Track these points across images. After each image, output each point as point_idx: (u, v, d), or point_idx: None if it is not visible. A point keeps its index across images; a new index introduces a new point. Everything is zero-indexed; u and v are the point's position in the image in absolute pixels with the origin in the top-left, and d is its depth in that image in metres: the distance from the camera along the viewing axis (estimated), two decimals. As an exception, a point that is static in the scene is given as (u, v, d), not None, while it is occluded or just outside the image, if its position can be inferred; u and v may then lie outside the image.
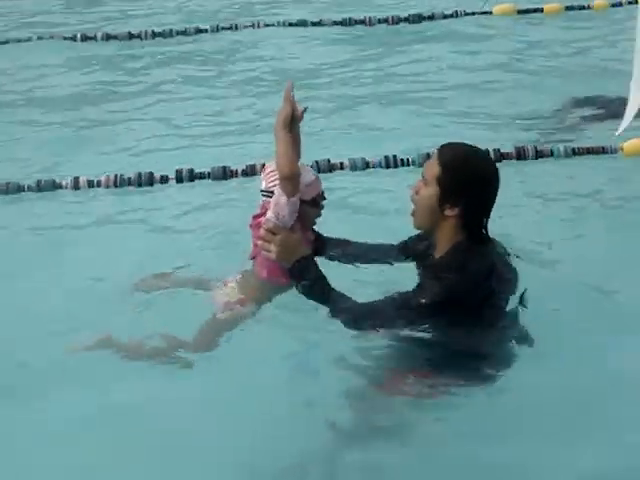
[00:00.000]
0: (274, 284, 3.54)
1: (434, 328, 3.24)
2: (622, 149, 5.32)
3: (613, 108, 5.44)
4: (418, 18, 8.38)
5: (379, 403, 3.26)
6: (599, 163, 5.27)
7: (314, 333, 3.46)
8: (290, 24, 8.37)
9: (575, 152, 5.34)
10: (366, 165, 5.31)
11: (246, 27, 8.34)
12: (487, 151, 3.37)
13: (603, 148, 5.35)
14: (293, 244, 3.40)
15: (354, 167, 5.30)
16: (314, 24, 8.34)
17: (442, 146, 3.33)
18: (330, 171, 5.23)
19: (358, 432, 3.19)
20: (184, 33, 8.23)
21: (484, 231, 3.30)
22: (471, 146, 3.31)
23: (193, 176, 5.23)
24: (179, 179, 5.20)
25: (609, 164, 5.24)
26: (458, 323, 3.22)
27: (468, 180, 3.22)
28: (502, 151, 5.29)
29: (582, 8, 8.58)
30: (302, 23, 8.37)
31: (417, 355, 3.31)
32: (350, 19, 8.38)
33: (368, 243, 3.77)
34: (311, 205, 3.47)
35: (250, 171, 5.19)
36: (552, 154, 5.34)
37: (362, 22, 8.38)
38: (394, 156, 5.32)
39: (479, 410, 3.21)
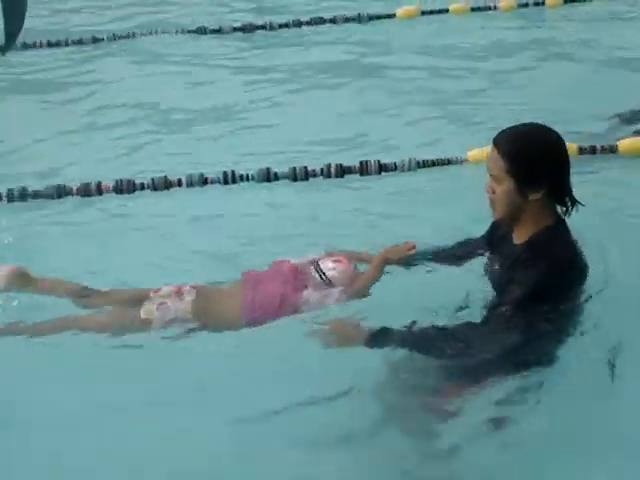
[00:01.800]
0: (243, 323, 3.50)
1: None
2: (467, 159, 5.17)
3: None
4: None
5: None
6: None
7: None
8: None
9: (420, 165, 5.16)
10: (204, 181, 5.14)
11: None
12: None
13: (449, 160, 5.18)
14: (344, 328, 3.30)
15: (190, 184, 5.14)
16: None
17: (496, 138, 3.14)
18: (167, 188, 5.10)
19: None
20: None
21: (571, 199, 3.14)
22: (522, 125, 3.18)
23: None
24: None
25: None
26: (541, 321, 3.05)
27: (538, 158, 3.06)
28: (344, 165, 5.16)
29: (488, 9, 8.44)
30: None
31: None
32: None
33: (452, 245, 3.70)
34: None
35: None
36: (396, 168, 5.16)
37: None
38: (232, 172, 5.15)
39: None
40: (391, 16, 8.39)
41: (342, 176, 5.14)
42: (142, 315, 3.52)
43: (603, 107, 5.81)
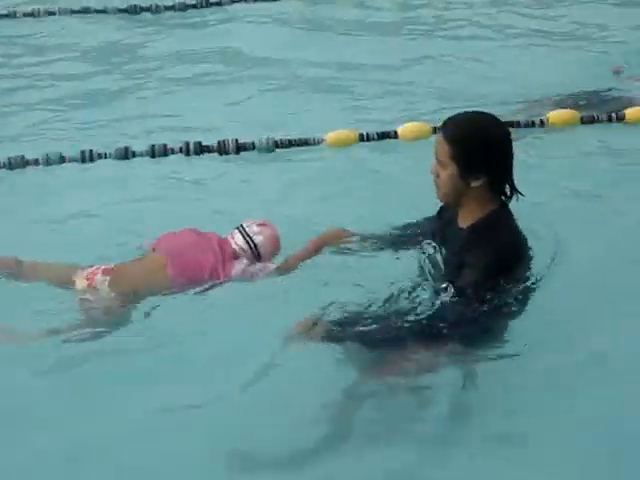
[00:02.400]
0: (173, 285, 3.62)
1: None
2: (325, 140, 5.25)
3: None
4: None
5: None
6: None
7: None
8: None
9: (278, 145, 5.21)
10: (62, 160, 5.13)
11: (26, 15, 8.05)
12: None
13: (306, 140, 5.24)
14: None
15: (47, 162, 5.13)
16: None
17: (444, 122, 3.23)
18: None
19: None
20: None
21: (514, 190, 3.24)
22: (471, 112, 3.25)
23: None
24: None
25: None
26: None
27: (482, 147, 3.13)
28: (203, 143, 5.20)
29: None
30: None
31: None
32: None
33: (391, 231, 3.73)
34: None
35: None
36: (254, 147, 5.21)
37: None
38: (90, 151, 5.14)
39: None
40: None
41: (200, 153, 5.18)
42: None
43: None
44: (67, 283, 3.63)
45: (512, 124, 5.04)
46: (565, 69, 6.34)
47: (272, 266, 3.72)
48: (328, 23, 7.77)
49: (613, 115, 5.38)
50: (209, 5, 8.20)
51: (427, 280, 3.40)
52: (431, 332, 3.18)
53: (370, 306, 3.36)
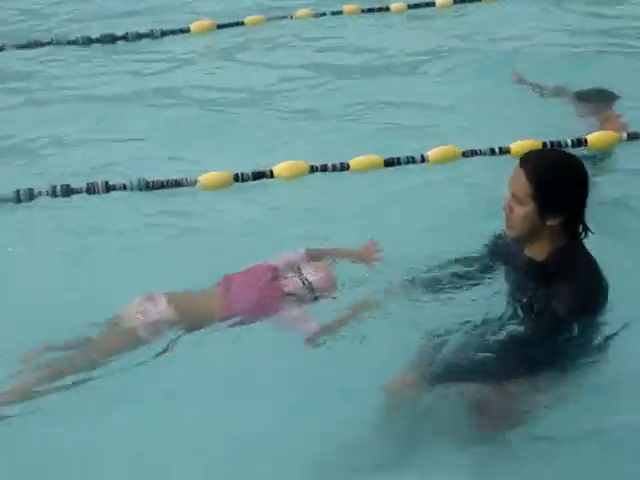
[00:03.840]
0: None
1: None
2: (198, 182, 5.11)
3: None
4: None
5: None
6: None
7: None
8: None
9: (149, 186, 5.06)
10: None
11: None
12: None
13: (178, 182, 5.10)
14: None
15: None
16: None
17: (523, 159, 3.22)
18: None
19: None
20: None
21: (584, 227, 3.25)
22: (551, 150, 3.40)
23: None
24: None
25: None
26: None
27: (563, 189, 3.15)
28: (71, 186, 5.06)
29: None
30: None
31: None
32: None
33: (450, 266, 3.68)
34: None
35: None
36: (125, 188, 5.06)
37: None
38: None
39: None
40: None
41: (69, 196, 5.03)
42: (125, 325, 3.60)
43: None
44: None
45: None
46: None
47: (315, 326, 3.63)
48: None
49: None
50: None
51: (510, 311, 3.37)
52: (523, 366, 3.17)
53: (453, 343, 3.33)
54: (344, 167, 5.19)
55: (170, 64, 7.47)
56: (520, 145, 5.08)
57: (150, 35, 8.02)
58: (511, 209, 3.21)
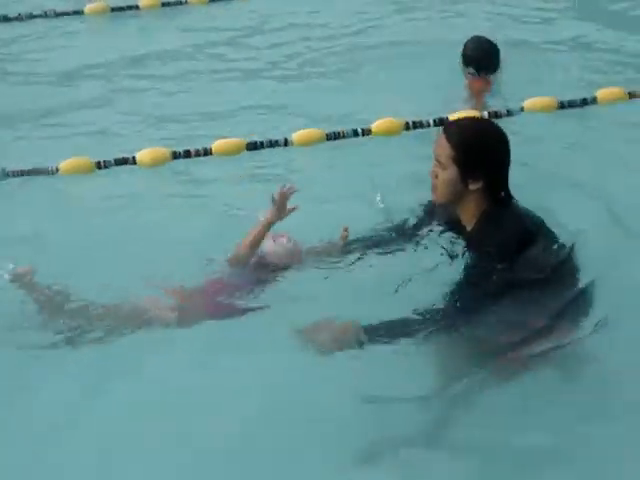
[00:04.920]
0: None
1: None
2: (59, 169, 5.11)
3: None
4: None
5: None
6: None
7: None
8: None
9: (9, 174, 5.04)
10: None
11: None
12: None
13: (39, 170, 5.09)
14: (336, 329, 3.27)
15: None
16: None
17: (447, 125, 3.41)
18: None
19: None
20: None
21: (506, 193, 3.36)
22: (473, 118, 3.54)
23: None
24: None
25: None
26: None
27: (484, 153, 3.28)
28: None
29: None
30: None
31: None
32: None
33: (379, 231, 3.77)
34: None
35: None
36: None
37: None
38: None
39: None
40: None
41: None
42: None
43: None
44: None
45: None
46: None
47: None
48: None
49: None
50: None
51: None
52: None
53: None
54: (206, 152, 5.24)
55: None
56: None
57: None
58: (436, 175, 3.34)
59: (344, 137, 5.34)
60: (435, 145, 3.36)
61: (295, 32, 7.36)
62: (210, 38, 7.38)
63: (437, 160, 3.33)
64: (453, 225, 3.52)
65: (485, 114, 5.34)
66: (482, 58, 5.65)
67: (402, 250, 3.68)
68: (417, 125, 5.38)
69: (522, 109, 5.58)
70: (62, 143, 5.52)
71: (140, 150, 5.19)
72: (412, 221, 3.73)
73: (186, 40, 7.37)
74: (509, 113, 5.52)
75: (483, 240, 3.33)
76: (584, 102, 5.63)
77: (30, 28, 7.83)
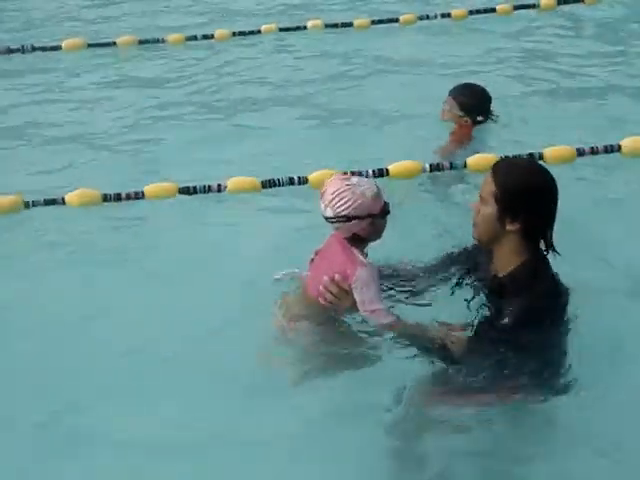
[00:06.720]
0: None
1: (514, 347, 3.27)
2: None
3: None
4: None
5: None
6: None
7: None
8: None
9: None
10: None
11: None
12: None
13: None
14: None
15: None
16: None
17: (496, 163, 3.44)
18: None
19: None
20: None
21: (549, 245, 3.35)
22: (525, 160, 3.50)
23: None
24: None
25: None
26: (532, 340, 3.25)
27: (524, 195, 3.26)
28: None
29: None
30: None
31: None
32: None
33: (416, 264, 3.80)
34: (381, 217, 3.49)
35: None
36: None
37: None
38: None
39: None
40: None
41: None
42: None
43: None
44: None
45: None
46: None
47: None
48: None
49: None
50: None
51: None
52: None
53: None
54: (138, 195, 5.21)
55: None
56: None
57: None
58: (478, 210, 3.38)
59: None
60: (482, 183, 3.41)
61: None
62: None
63: (480, 195, 3.38)
64: (485, 270, 3.50)
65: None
66: (480, 105, 5.55)
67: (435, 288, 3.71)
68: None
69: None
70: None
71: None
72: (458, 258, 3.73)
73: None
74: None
75: (515, 292, 3.30)
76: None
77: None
